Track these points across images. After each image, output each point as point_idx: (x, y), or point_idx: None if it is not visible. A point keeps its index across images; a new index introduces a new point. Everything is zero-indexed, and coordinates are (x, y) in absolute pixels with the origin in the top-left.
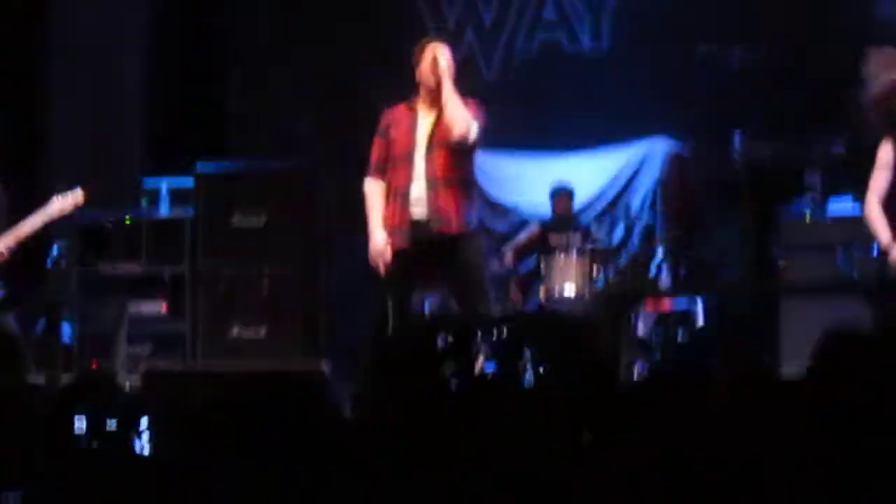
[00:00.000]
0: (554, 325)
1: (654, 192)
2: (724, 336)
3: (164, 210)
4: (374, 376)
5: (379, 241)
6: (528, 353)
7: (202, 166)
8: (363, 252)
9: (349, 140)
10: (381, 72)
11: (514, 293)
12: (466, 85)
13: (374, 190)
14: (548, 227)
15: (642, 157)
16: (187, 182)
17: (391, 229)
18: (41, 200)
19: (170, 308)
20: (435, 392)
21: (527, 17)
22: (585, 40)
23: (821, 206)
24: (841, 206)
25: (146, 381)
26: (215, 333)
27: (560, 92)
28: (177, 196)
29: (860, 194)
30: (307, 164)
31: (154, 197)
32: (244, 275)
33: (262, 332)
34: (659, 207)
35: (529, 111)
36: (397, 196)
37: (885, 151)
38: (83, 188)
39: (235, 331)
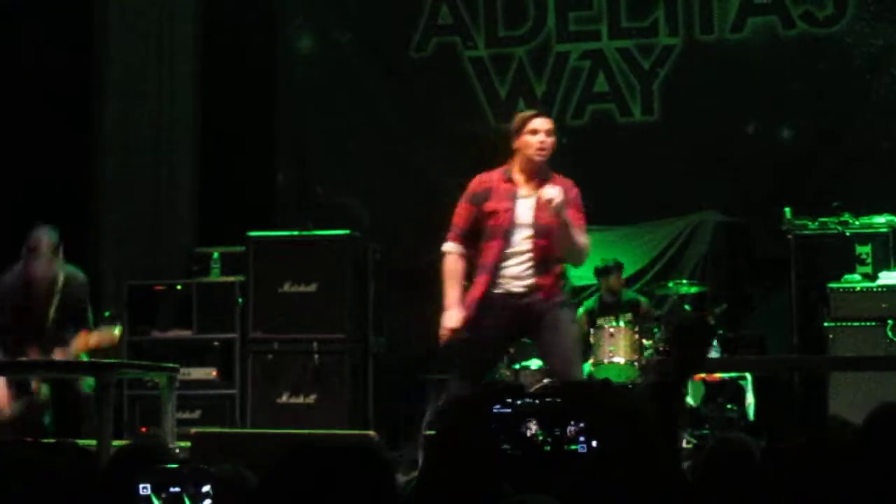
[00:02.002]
0: (601, 394)
1: (704, 265)
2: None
3: (215, 277)
4: (430, 443)
5: (454, 316)
6: (577, 422)
7: (253, 235)
8: (412, 322)
9: (399, 210)
10: (432, 145)
11: None
12: None
13: (454, 259)
14: (594, 312)
15: (692, 230)
16: (239, 250)
17: (474, 300)
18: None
19: (220, 374)
20: (486, 458)
21: (578, 88)
22: (637, 112)
23: (871, 277)
24: (891, 277)
25: (196, 445)
26: (265, 400)
27: (611, 163)
28: (228, 264)
29: None
30: (356, 233)
31: (206, 264)
32: (294, 342)
33: (312, 399)
34: (708, 280)
35: (580, 181)
36: (486, 269)
37: None
38: None
39: (285, 397)
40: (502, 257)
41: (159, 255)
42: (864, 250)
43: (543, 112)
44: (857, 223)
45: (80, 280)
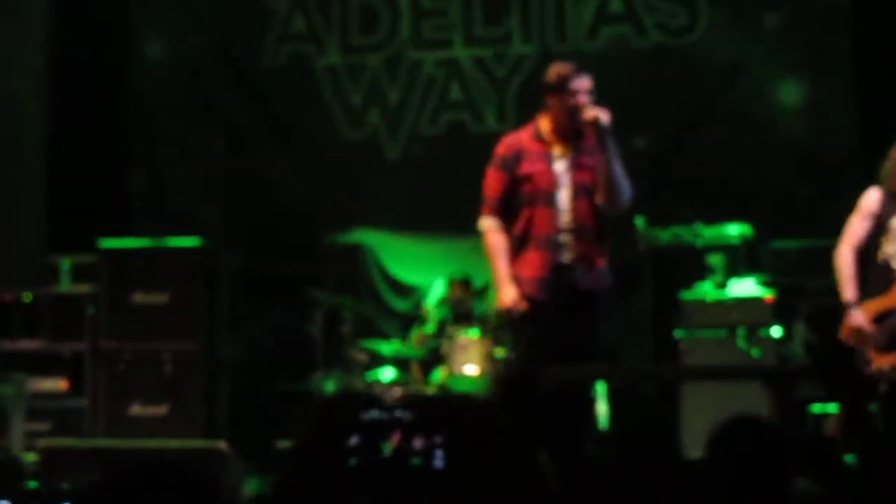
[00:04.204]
0: (452, 408)
1: None
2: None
3: (65, 287)
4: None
5: (513, 293)
6: (428, 436)
7: (104, 243)
8: (266, 330)
9: (252, 219)
10: (286, 154)
11: (416, 372)
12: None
13: (495, 233)
14: (445, 322)
15: None
16: (89, 259)
17: (530, 279)
18: None
19: (70, 385)
20: (337, 469)
21: (432, 97)
22: (491, 121)
23: (722, 287)
24: (742, 286)
25: (45, 457)
26: (115, 411)
27: (464, 172)
28: (79, 273)
29: (760, 275)
30: (210, 242)
31: (55, 273)
32: (145, 353)
33: (163, 410)
34: None
35: (434, 191)
36: (541, 242)
37: (870, 198)
38: None
39: (136, 408)
40: (553, 226)
41: (7, 264)
42: (715, 260)
43: (580, 69)
44: (708, 233)
45: None
